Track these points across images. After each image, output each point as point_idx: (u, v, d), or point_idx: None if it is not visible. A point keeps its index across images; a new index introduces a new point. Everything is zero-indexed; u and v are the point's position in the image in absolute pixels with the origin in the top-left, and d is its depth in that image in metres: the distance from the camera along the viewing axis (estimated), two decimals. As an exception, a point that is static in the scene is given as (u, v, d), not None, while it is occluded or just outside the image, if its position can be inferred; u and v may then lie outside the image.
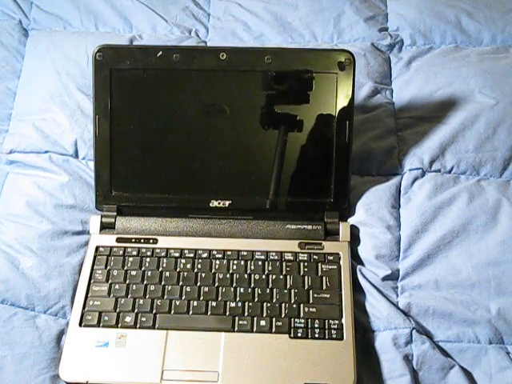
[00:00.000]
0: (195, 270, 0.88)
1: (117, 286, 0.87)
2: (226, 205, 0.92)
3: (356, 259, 0.91)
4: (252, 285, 0.87)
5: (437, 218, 0.93)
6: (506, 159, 0.98)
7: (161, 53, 0.88)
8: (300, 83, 0.90)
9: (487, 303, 0.87)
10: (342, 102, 0.90)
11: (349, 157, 0.91)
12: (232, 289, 0.86)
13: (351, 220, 0.94)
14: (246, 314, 0.84)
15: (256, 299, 0.85)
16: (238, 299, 0.85)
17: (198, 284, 0.87)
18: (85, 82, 1.05)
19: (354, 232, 0.93)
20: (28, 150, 1.00)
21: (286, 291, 0.86)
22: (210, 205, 0.92)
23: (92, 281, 0.87)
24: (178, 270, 0.88)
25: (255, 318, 0.84)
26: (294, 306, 0.85)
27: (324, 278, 0.87)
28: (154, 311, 0.85)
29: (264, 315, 0.84)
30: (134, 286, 0.87)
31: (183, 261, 0.89)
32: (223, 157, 0.92)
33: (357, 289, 0.88)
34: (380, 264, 0.90)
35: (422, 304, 0.87)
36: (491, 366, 0.84)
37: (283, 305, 0.85)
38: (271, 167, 0.91)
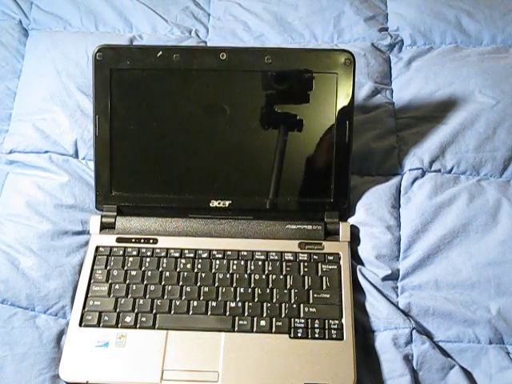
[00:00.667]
0: (195, 270, 0.88)
1: (117, 286, 0.87)
2: (226, 205, 0.92)
3: (356, 259, 0.91)
4: (252, 285, 0.87)
5: (437, 218, 0.93)
6: (506, 159, 0.98)
7: (161, 53, 0.88)
8: (300, 83, 0.90)
9: (487, 303, 0.87)
10: (342, 102, 0.90)
11: (349, 157, 0.91)
12: (232, 289, 0.86)
13: (351, 220, 0.94)
14: (245, 313, 0.84)
15: (256, 299, 0.85)
16: (238, 299, 0.85)
17: (198, 284, 0.87)
18: (85, 82, 1.05)
19: (354, 232, 0.93)
20: (28, 150, 1.00)
21: (285, 291, 0.86)
22: (210, 205, 0.92)
23: (92, 281, 0.87)
24: (178, 270, 0.88)
25: (255, 318, 0.84)
26: (294, 306, 0.85)
27: (324, 278, 0.87)
28: (154, 311, 0.85)
29: (264, 315, 0.84)
30: (134, 286, 0.87)
31: (183, 261, 0.89)
32: (223, 157, 0.92)
33: (357, 289, 0.88)
34: (380, 264, 0.90)
35: (422, 304, 0.87)
36: (491, 366, 0.84)
37: (283, 305, 0.85)
38: (271, 167, 0.91)
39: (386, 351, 0.83)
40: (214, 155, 0.92)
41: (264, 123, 0.91)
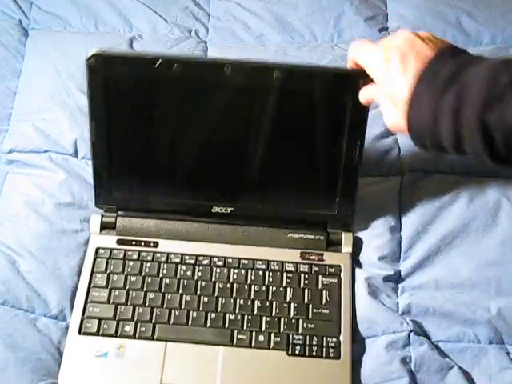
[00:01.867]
0: (195, 278, 0.87)
1: (116, 293, 0.86)
2: (228, 211, 0.91)
3: (357, 261, 0.91)
4: (252, 296, 0.86)
5: (437, 218, 0.93)
6: (506, 159, 0.98)
7: (160, 61, 0.82)
8: (309, 101, 0.84)
9: (487, 303, 0.87)
10: (355, 121, 0.84)
11: (357, 174, 0.87)
12: (232, 300, 0.85)
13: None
14: (244, 327, 0.84)
15: (255, 312, 0.85)
16: (237, 311, 0.85)
17: (198, 293, 0.86)
18: (85, 82, 1.05)
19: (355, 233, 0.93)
20: (28, 149, 1.00)
21: (285, 305, 0.85)
22: (212, 210, 0.91)
23: (92, 285, 0.87)
24: (178, 276, 0.87)
25: (254, 333, 0.83)
26: (293, 321, 0.84)
27: (324, 292, 0.87)
28: (154, 320, 0.84)
29: (263, 329, 0.84)
30: (134, 293, 0.86)
31: (183, 267, 0.88)
32: (225, 166, 0.90)
33: (356, 291, 0.88)
34: (381, 265, 0.90)
35: (422, 304, 0.88)
36: (491, 365, 0.84)
37: (282, 319, 0.84)
38: (276, 178, 0.90)
39: (384, 354, 0.83)
40: (216, 164, 0.90)
41: (270, 136, 0.87)
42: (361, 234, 0.93)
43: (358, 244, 0.92)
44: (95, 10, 1.17)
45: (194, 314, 0.84)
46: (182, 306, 0.85)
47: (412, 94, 0.64)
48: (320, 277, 0.88)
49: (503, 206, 0.94)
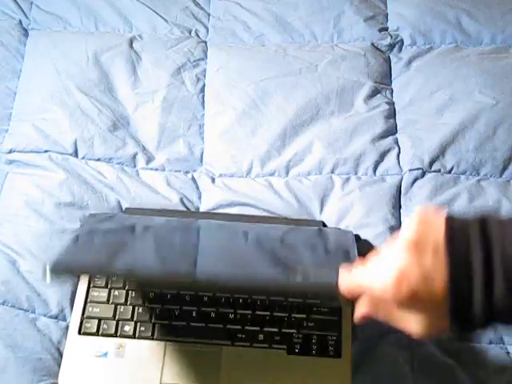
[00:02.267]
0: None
1: (116, 293, 0.86)
2: None
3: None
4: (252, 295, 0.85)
5: (437, 218, 0.93)
6: (506, 159, 0.98)
7: None
8: None
9: (487, 303, 0.87)
10: None
11: None
12: (231, 299, 0.85)
13: (352, 221, 0.93)
14: (245, 326, 0.84)
15: (255, 310, 0.84)
16: (237, 310, 0.84)
17: (198, 292, 0.86)
18: (85, 82, 1.05)
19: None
20: (28, 149, 1.00)
21: (285, 303, 0.85)
22: None
23: (91, 285, 0.87)
24: None
25: (254, 332, 0.83)
26: (293, 319, 0.84)
27: None
28: (153, 320, 0.84)
29: (263, 328, 0.83)
30: (133, 293, 0.86)
31: None
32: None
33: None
34: (381, 265, 0.90)
35: (423, 304, 0.87)
36: (491, 366, 0.84)
37: (282, 318, 0.84)
38: None
39: (386, 354, 0.84)
40: None
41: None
42: (361, 234, 0.93)
43: (357, 242, 0.92)
44: (95, 10, 1.17)
45: (194, 313, 0.84)
46: (182, 306, 0.85)
47: (453, 296, 0.56)
48: None
49: (503, 206, 0.94)
